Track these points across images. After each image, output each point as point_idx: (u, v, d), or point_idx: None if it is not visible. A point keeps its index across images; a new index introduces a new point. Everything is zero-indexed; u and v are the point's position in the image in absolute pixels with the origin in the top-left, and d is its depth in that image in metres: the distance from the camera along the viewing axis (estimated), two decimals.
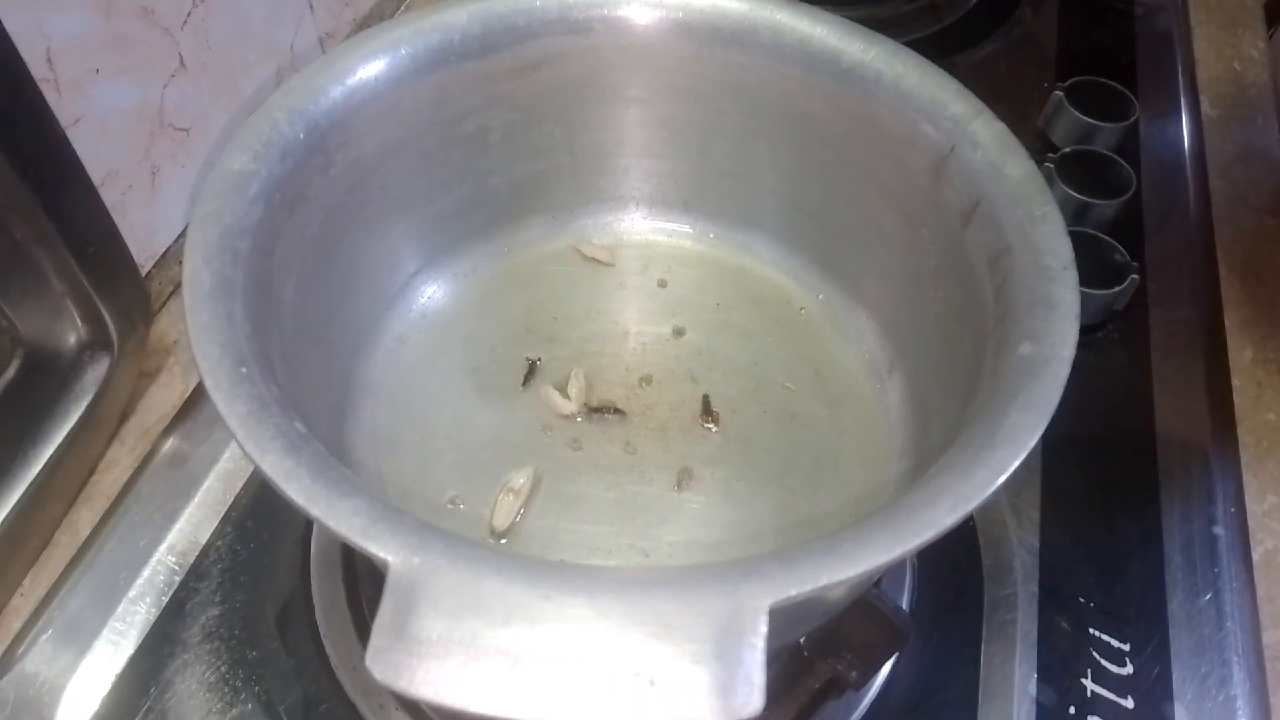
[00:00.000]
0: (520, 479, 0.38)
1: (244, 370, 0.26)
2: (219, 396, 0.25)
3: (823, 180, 0.42)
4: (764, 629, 0.22)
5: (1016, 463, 0.26)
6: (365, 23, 0.65)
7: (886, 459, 0.40)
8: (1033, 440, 0.26)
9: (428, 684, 0.21)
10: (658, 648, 0.21)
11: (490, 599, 0.22)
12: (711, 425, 0.40)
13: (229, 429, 0.24)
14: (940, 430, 0.37)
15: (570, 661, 0.21)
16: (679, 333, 0.43)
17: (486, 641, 0.21)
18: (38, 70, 0.39)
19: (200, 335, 0.26)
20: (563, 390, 0.41)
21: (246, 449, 0.24)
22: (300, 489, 0.23)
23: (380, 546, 0.23)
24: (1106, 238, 0.53)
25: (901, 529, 0.24)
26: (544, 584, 0.22)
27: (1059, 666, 0.40)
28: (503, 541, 0.37)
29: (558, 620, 0.21)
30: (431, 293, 0.43)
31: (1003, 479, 0.25)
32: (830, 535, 0.24)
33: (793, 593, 0.22)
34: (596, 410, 0.40)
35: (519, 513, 0.37)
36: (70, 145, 0.40)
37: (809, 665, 0.38)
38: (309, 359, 0.34)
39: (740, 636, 0.22)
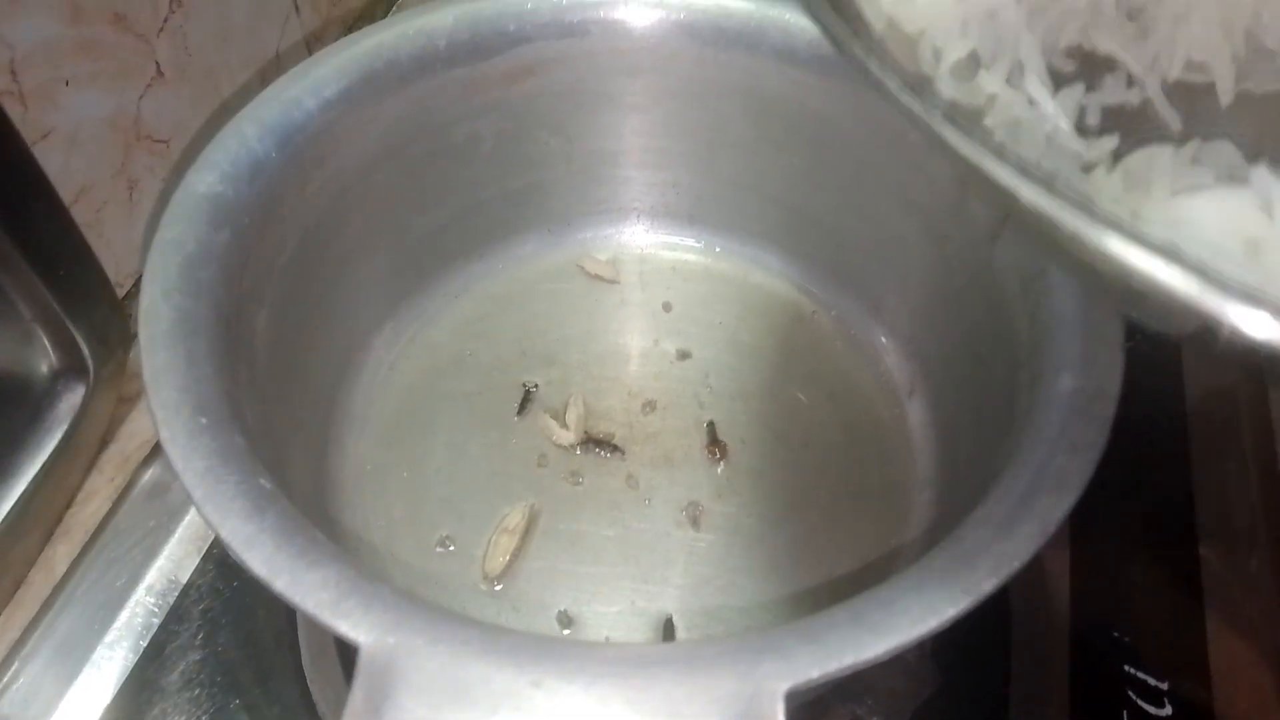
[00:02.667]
0: (515, 517, 0.35)
1: (203, 420, 0.23)
2: (174, 451, 0.23)
3: (838, 190, 0.39)
4: (781, 716, 0.19)
5: (1063, 514, 0.23)
6: (355, 23, 0.62)
7: (908, 489, 0.37)
8: (1081, 488, 0.23)
9: None
10: None
11: (474, 686, 0.19)
12: (719, 456, 0.38)
13: (185, 488, 0.22)
14: (967, 457, 0.34)
15: None
16: (684, 355, 0.41)
17: None
18: (0, 81, 0.37)
19: (156, 379, 0.24)
20: (560, 419, 0.38)
21: (204, 512, 0.22)
22: (262, 558, 0.21)
23: (351, 625, 0.20)
24: None
25: (935, 596, 0.21)
26: (534, 668, 0.20)
27: (1093, 707, 0.38)
28: (497, 586, 0.34)
29: (550, 712, 0.19)
30: (420, 314, 0.41)
31: (1048, 534, 0.22)
32: (856, 602, 0.21)
33: (814, 674, 0.20)
34: (596, 444, 0.38)
35: (514, 554, 0.35)
36: (35, 162, 0.38)
37: (825, 709, 0.36)
38: (286, 392, 0.32)
39: None
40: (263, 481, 0.23)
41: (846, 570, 0.35)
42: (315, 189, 0.33)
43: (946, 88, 0.19)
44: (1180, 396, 0.48)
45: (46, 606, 0.40)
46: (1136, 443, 0.46)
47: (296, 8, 0.55)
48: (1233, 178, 0.17)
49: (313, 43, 0.58)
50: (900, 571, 0.23)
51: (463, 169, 0.39)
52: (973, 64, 0.19)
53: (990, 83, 0.19)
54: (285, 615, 0.39)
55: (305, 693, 0.37)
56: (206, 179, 0.29)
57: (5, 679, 0.38)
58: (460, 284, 0.42)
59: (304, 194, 0.32)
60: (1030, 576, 0.41)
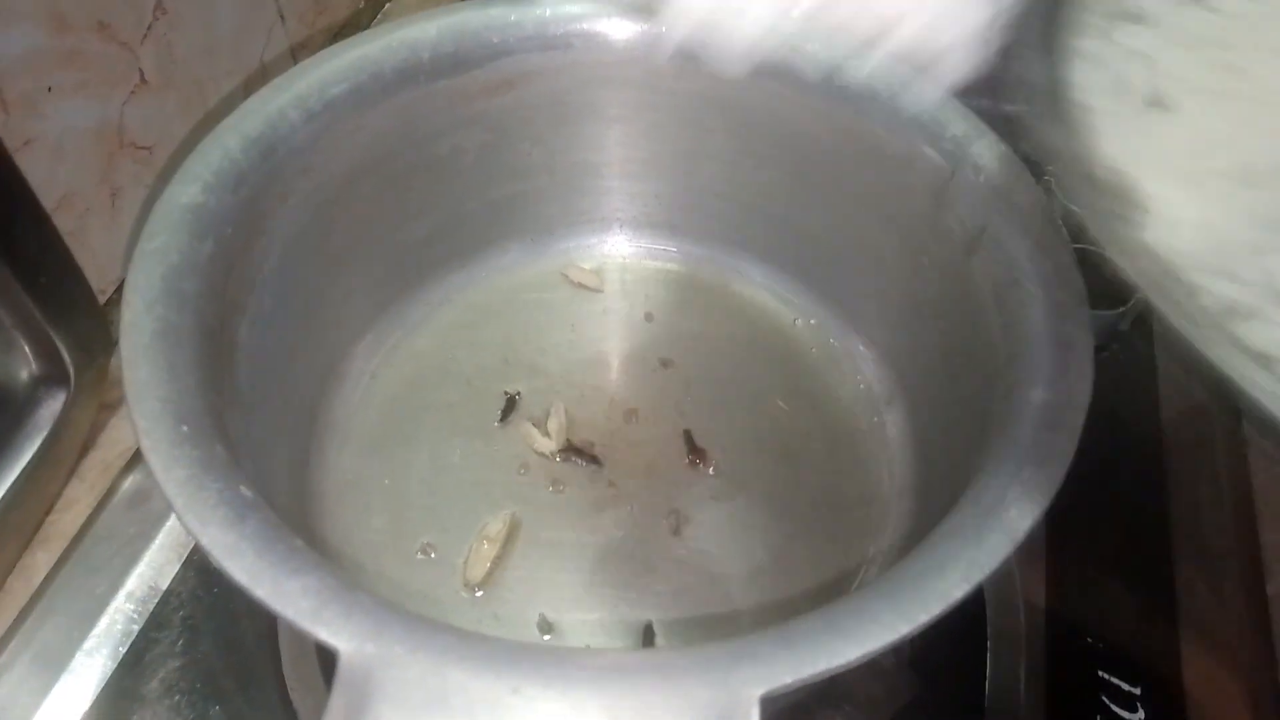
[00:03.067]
0: (497, 525, 0.35)
1: (185, 429, 0.24)
2: (155, 460, 0.23)
3: (817, 202, 0.40)
4: None
5: (1031, 523, 0.23)
6: (340, 33, 0.62)
7: (887, 497, 0.38)
8: (1050, 497, 0.24)
9: None
10: None
11: (453, 693, 0.20)
12: (700, 464, 0.38)
13: (166, 497, 0.22)
14: (944, 467, 0.35)
15: None
16: (666, 363, 0.41)
17: None
18: None
19: (138, 390, 0.24)
20: (542, 427, 0.38)
21: (184, 520, 0.22)
22: (242, 566, 0.21)
23: (331, 632, 0.20)
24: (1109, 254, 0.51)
25: (907, 603, 0.22)
26: (513, 674, 0.20)
27: (1067, 712, 0.38)
28: (478, 594, 0.34)
29: (528, 718, 0.19)
30: (403, 323, 0.41)
31: (1017, 543, 0.23)
32: (830, 609, 0.22)
33: (788, 680, 0.20)
34: (577, 452, 0.38)
35: (495, 562, 0.35)
36: (17, 169, 0.38)
37: (805, 715, 0.36)
38: (268, 403, 0.32)
39: None
40: (244, 490, 0.23)
41: (826, 577, 0.35)
42: (299, 200, 0.33)
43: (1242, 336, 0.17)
44: (1155, 407, 0.48)
45: (25, 613, 0.40)
46: (1112, 461, 0.46)
47: (282, 17, 0.55)
48: None
49: (298, 52, 0.58)
50: (874, 579, 0.23)
51: (446, 180, 0.39)
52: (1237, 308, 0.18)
53: None
54: (266, 622, 0.39)
55: (286, 700, 0.37)
56: (189, 190, 0.29)
57: None
58: (443, 293, 0.42)
59: (287, 204, 0.32)
60: (1007, 587, 0.42)
